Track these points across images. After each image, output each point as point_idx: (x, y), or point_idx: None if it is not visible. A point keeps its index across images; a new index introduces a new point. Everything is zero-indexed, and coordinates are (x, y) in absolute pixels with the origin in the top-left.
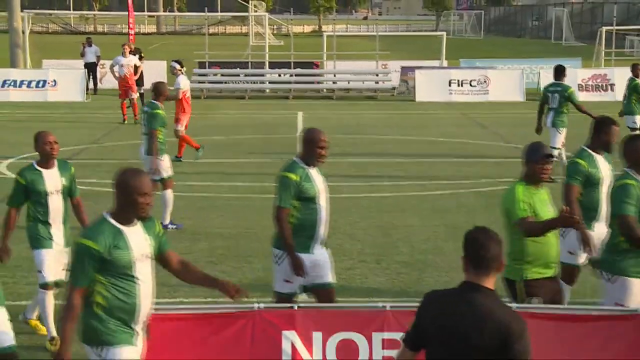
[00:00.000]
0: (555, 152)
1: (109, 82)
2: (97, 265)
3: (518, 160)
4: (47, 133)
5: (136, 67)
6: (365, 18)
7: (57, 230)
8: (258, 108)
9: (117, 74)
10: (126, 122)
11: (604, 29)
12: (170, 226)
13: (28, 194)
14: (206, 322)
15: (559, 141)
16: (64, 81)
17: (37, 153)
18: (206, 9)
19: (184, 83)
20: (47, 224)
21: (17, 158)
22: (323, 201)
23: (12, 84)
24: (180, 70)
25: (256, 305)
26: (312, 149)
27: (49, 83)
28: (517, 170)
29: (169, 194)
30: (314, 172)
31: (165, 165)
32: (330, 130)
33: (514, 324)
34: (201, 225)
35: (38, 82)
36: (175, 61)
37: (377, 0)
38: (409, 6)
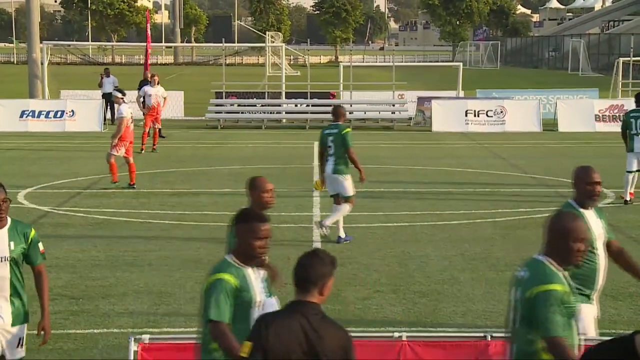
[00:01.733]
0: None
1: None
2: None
3: (535, 191)
4: None
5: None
6: (382, 49)
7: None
8: (274, 138)
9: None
10: (143, 151)
11: (621, 59)
12: (324, 227)
13: None
14: None
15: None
16: (82, 111)
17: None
18: (223, 39)
19: (126, 112)
20: None
21: (35, 188)
22: None
23: (30, 114)
24: (122, 98)
25: None
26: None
27: (67, 113)
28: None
29: (347, 207)
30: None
31: (350, 185)
32: None
33: (344, 337)
34: (217, 254)
35: (56, 112)
36: (117, 90)
37: (394, 31)
38: (426, 37)
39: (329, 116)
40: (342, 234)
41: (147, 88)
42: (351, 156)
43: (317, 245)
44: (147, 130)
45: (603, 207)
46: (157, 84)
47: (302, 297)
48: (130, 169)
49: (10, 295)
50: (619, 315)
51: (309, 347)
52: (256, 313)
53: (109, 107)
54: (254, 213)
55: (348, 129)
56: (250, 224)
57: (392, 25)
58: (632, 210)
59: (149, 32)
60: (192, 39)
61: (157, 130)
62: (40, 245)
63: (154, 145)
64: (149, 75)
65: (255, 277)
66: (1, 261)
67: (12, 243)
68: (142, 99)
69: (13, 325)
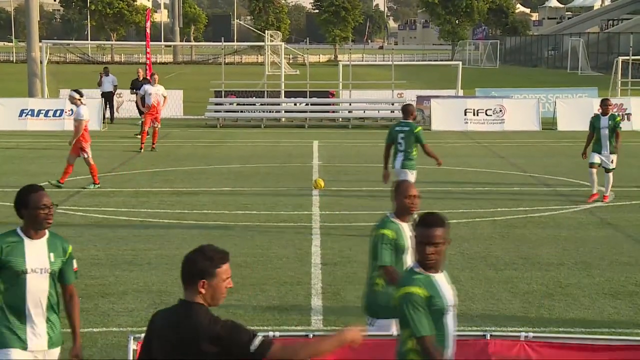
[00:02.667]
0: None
1: (125, 111)
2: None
3: (534, 189)
4: (39, 193)
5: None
6: (381, 48)
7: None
8: (274, 137)
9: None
10: (142, 150)
11: (620, 58)
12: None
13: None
14: None
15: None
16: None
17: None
18: (222, 38)
19: (86, 114)
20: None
21: None
22: None
23: (29, 113)
24: (80, 99)
25: (271, 333)
26: None
27: (66, 112)
28: (532, 199)
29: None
30: None
31: (414, 180)
32: (345, 159)
33: (223, 331)
34: None
35: (55, 111)
36: (75, 90)
37: (393, 30)
38: (425, 36)
39: (329, 115)
40: None
41: (147, 87)
42: (428, 150)
43: (317, 245)
44: (146, 130)
45: (602, 205)
46: (157, 82)
47: (188, 297)
48: (93, 169)
49: (47, 314)
50: (618, 314)
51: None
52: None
53: (108, 106)
54: (430, 217)
55: (420, 127)
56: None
57: (392, 24)
58: (630, 209)
59: (148, 31)
60: (192, 38)
61: (157, 129)
62: (75, 263)
63: (153, 144)
64: (141, 75)
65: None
66: (40, 273)
67: (52, 255)
68: (142, 98)
69: (50, 347)
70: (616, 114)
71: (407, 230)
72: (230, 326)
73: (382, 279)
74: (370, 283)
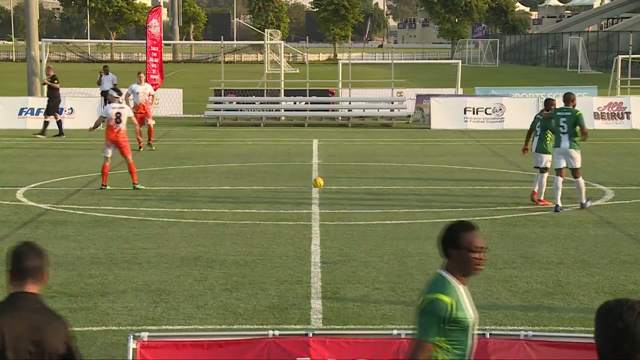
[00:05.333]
0: None
1: None
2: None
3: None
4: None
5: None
6: (381, 46)
7: None
8: (273, 135)
9: (132, 102)
10: (142, 149)
11: (620, 57)
12: (586, 206)
13: None
14: (221, 349)
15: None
16: (81, 109)
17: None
18: (222, 37)
19: (111, 111)
20: None
21: (33, 185)
22: None
23: (29, 112)
24: (117, 97)
25: (270, 332)
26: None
27: (65, 111)
28: (530, 198)
29: (581, 181)
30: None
31: (580, 158)
32: (345, 157)
33: (64, 329)
34: (216, 252)
35: None
36: (113, 89)
37: (393, 28)
38: (424, 35)
39: (329, 113)
40: (560, 203)
41: (134, 86)
42: (585, 132)
43: (317, 244)
44: (139, 129)
45: (601, 204)
46: (144, 81)
47: (21, 289)
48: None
49: None
50: None
51: (35, 340)
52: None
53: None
54: (468, 223)
55: (580, 111)
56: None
57: (391, 22)
58: (630, 207)
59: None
60: (191, 37)
61: (151, 125)
62: None
63: (149, 141)
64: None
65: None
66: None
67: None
68: (130, 97)
69: None
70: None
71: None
72: None
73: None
74: None
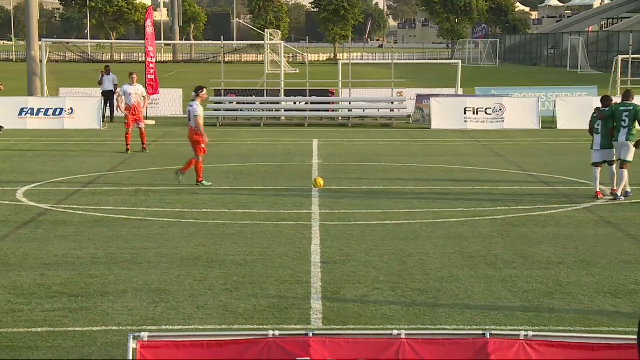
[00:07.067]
0: None
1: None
2: None
3: (533, 188)
4: None
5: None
6: (381, 46)
7: None
8: (273, 135)
9: (123, 103)
10: (129, 151)
11: (620, 57)
12: (622, 197)
13: None
14: (221, 349)
15: None
16: (81, 109)
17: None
18: (222, 37)
19: (199, 109)
20: None
21: (34, 185)
22: None
23: (29, 112)
24: (198, 96)
25: (271, 332)
26: None
27: (66, 111)
28: (532, 198)
29: (626, 173)
30: None
31: (633, 151)
32: (345, 157)
33: None
34: (216, 252)
35: (55, 110)
36: (199, 88)
37: (393, 29)
38: (425, 35)
39: (329, 113)
40: (629, 189)
41: (126, 87)
42: None
43: (317, 244)
44: (129, 131)
45: (602, 204)
46: (136, 82)
47: None
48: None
49: None
50: (618, 313)
51: None
52: None
53: (107, 105)
54: None
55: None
56: None
57: (391, 22)
58: (630, 208)
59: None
60: (191, 37)
61: (142, 129)
62: None
63: (143, 145)
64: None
65: None
66: None
67: None
68: (122, 98)
69: None
70: None
71: None
72: None
73: None
74: None
